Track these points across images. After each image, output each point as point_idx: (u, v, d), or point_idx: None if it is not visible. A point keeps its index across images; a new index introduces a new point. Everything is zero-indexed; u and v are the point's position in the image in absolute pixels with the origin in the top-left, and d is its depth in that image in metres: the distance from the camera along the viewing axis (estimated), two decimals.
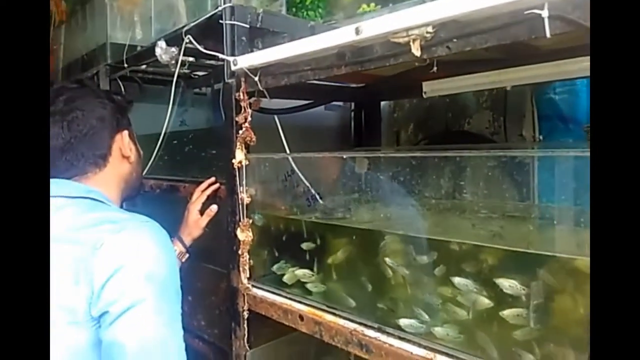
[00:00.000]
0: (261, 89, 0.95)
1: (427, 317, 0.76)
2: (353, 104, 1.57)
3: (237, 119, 1.01)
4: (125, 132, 0.91)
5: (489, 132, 1.28)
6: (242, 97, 0.99)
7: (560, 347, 0.64)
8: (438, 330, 0.73)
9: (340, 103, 1.56)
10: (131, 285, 0.70)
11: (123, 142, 0.90)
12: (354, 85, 1.26)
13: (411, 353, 0.73)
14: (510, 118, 1.23)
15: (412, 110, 1.52)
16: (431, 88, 1.02)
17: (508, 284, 0.65)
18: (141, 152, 0.98)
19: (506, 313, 0.65)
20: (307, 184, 0.96)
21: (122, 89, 1.62)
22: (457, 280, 0.69)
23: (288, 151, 1.05)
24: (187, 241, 1.17)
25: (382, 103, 1.55)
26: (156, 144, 1.40)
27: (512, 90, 1.21)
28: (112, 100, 0.91)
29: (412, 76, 1.00)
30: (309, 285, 0.98)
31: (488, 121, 1.30)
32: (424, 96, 1.05)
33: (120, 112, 0.92)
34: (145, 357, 0.70)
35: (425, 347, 0.73)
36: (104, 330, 0.70)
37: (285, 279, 1.03)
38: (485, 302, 0.69)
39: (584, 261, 0.61)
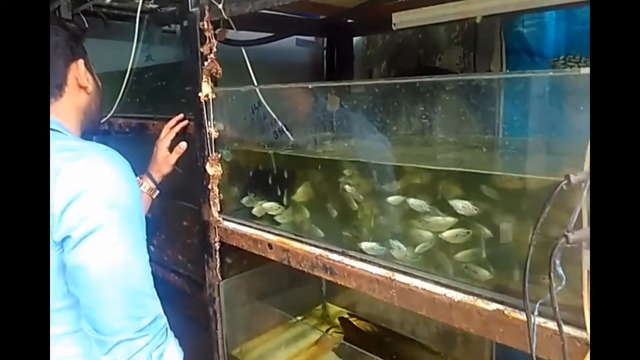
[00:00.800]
0: (226, 17, 0.93)
1: (387, 240, 0.80)
2: (325, 40, 1.54)
3: (201, 49, 0.99)
4: (81, 61, 0.88)
5: (459, 68, 1.28)
6: (206, 26, 0.97)
7: (507, 264, 0.68)
8: (396, 252, 0.77)
9: (312, 39, 1.53)
10: (92, 210, 0.70)
11: (79, 72, 0.87)
12: (322, 17, 1.23)
13: (371, 273, 0.78)
14: (481, 53, 1.23)
15: (384, 47, 1.50)
16: (400, 19, 1.01)
17: (461, 205, 0.68)
18: (99, 83, 0.95)
19: (445, 234, 0.68)
20: (274, 115, 0.96)
21: (86, 25, 1.55)
22: (411, 201, 0.72)
23: (255, 83, 1.04)
24: (157, 178, 1.17)
25: (355, 40, 1.52)
26: (122, 81, 1.37)
27: (483, 25, 1.20)
28: (65, 27, 0.87)
29: (381, 7, 0.99)
30: (277, 217, 1.01)
31: (459, 57, 1.30)
32: (394, 28, 1.03)
33: (74, 40, 0.88)
34: (109, 280, 0.72)
35: (384, 267, 0.77)
36: (66, 254, 0.71)
37: (254, 211, 1.05)
38: (449, 220, 0.71)
39: (532, 180, 0.64)
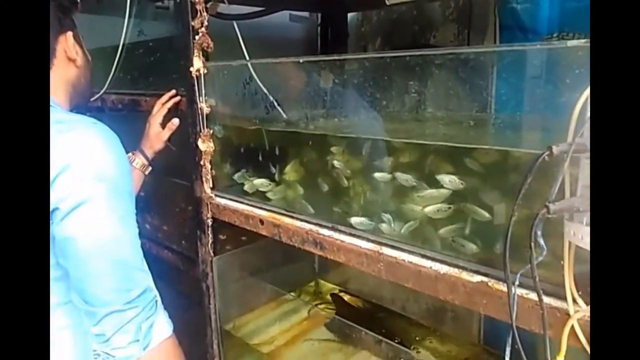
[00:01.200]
0: None
1: (376, 215, 0.80)
2: (319, 16, 1.53)
3: (193, 23, 0.98)
4: (70, 34, 0.87)
5: (454, 45, 1.27)
6: None
7: (493, 238, 0.68)
8: (384, 226, 0.78)
9: (306, 15, 1.51)
10: (80, 183, 0.70)
11: (67, 44, 0.86)
12: None
13: (360, 247, 0.78)
14: (475, 30, 1.22)
15: (379, 23, 1.48)
16: None
17: (448, 179, 0.68)
18: (89, 57, 0.94)
19: (427, 210, 0.69)
20: (265, 90, 0.96)
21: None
22: (398, 175, 0.73)
23: (247, 58, 1.03)
24: (149, 154, 1.17)
25: (350, 17, 1.51)
26: (115, 57, 1.35)
27: (477, 1, 1.19)
28: None
29: None
30: (268, 194, 1.01)
31: (453, 34, 1.29)
32: (387, 3, 1.02)
33: (62, 11, 0.87)
34: (98, 252, 0.72)
35: (373, 242, 0.78)
36: (55, 226, 0.71)
37: (245, 188, 1.05)
38: (443, 192, 0.71)
39: (520, 154, 0.65)
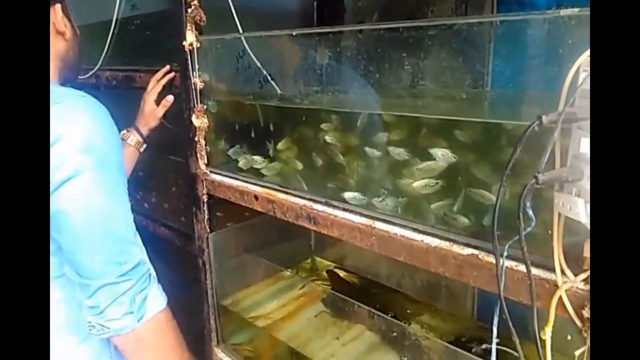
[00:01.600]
0: None
1: (369, 189, 0.80)
2: None
3: None
4: (58, 6, 0.85)
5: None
6: None
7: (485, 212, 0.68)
8: (377, 201, 0.78)
9: None
10: (70, 155, 0.70)
11: (56, 17, 0.85)
12: None
13: (353, 222, 0.79)
14: (473, 4, 1.20)
15: None
16: None
17: (441, 153, 0.68)
18: (77, 30, 0.92)
19: (415, 184, 0.69)
20: (258, 63, 0.94)
21: None
22: (390, 149, 0.72)
23: (241, 31, 1.02)
24: (144, 131, 1.17)
25: None
26: (108, 32, 1.33)
27: None
28: None
29: None
30: (262, 170, 1.01)
31: (451, 9, 1.26)
32: None
33: None
34: (90, 225, 0.72)
35: (365, 216, 0.78)
36: None
37: (240, 164, 1.05)
38: (441, 164, 0.70)
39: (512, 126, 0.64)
